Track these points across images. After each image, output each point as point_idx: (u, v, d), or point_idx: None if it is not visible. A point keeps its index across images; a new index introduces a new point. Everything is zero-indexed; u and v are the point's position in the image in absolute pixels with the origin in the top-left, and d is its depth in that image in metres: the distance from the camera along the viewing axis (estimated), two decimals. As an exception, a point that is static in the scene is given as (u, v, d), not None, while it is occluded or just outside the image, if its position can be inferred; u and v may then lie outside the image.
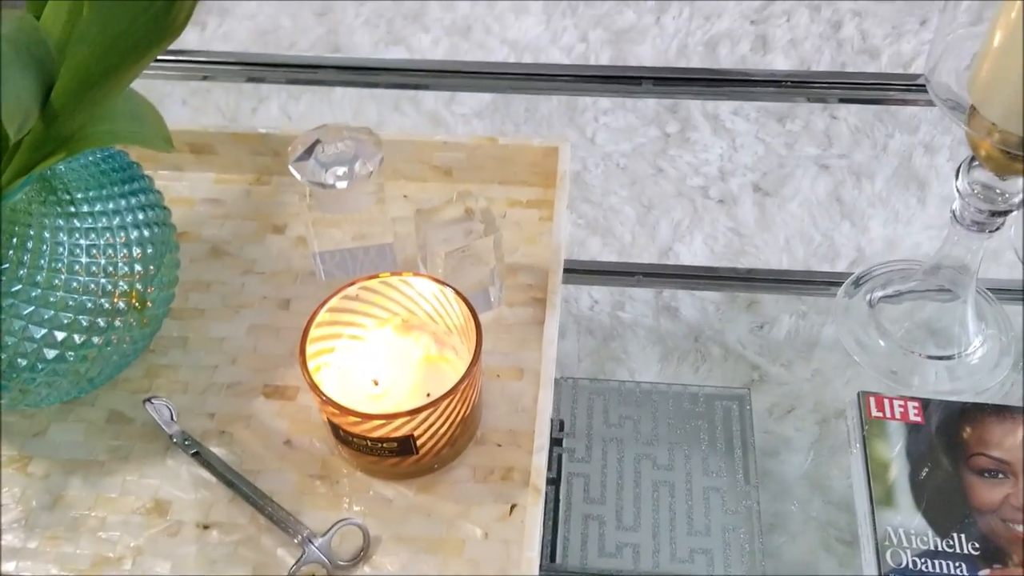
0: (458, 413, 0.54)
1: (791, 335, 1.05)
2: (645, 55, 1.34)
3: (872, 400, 0.82)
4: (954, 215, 0.60)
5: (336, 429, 0.55)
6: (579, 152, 1.23)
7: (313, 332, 0.55)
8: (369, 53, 1.35)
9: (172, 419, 0.58)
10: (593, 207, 1.17)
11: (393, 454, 0.54)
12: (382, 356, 0.59)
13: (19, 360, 0.52)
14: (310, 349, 0.55)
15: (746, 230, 1.15)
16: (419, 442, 0.54)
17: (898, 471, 0.77)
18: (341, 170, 0.60)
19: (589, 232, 1.15)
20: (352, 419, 0.52)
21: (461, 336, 0.58)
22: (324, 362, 0.57)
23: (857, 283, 0.73)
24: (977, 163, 0.58)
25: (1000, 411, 0.79)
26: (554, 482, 0.73)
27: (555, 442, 0.76)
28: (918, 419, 0.80)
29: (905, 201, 1.17)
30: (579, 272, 0.98)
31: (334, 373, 0.58)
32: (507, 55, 1.34)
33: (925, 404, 0.81)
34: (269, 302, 0.65)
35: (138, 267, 0.55)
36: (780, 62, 1.32)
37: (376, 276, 0.57)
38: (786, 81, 0.78)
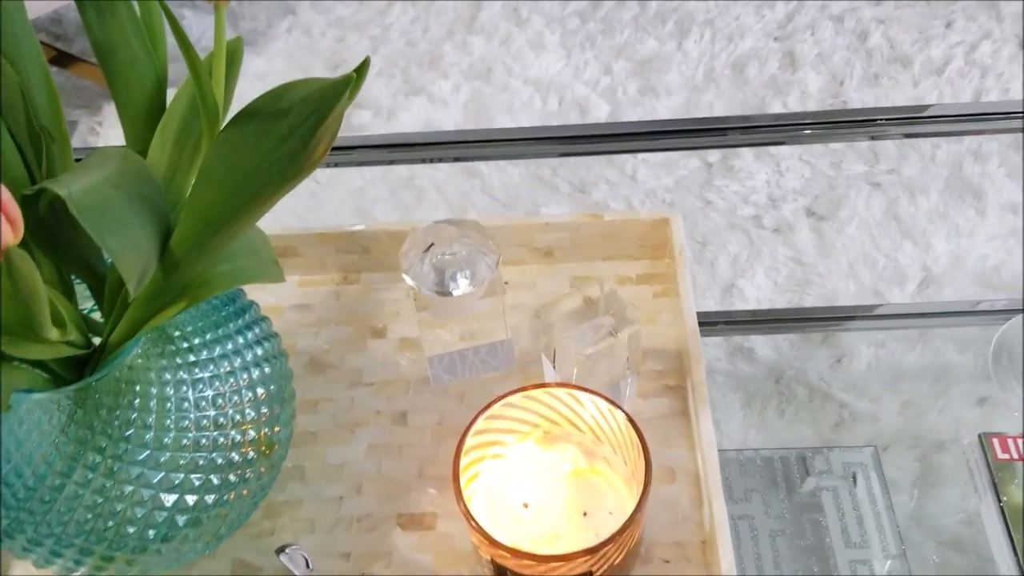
0: (632, 538, 0.50)
1: (872, 367, 1.01)
2: (674, 84, 1.30)
3: (996, 441, 0.78)
4: None
5: (502, 570, 0.50)
6: (621, 191, 1.19)
7: (463, 462, 0.50)
8: (390, 105, 1.30)
9: (308, 567, 0.53)
10: (646, 248, 1.13)
11: (566, 589, 0.49)
12: (528, 474, 0.54)
13: (149, 532, 0.47)
14: (463, 482, 0.50)
15: (807, 258, 1.11)
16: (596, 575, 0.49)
17: (1037, 517, 0.74)
18: (463, 278, 0.55)
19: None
20: (527, 562, 0.47)
21: (613, 446, 0.53)
22: (472, 491, 0.52)
23: (1005, 341, 0.68)
24: None
25: None
26: (687, 569, 0.69)
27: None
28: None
29: (963, 213, 1.14)
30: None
31: (481, 500, 0.53)
32: (531, 96, 1.30)
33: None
34: (384, 417, 0.60)
35: (264, 409, 0.50)
36: (812, 79, 1.29)
37: (524, 389, 0.52)
38: (879, 119, 0.74)
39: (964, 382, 0.99)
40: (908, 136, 0.81)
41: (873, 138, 0.88)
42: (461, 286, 0.55)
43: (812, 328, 0.97)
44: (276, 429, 0.51)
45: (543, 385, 0.53)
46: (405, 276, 0.56)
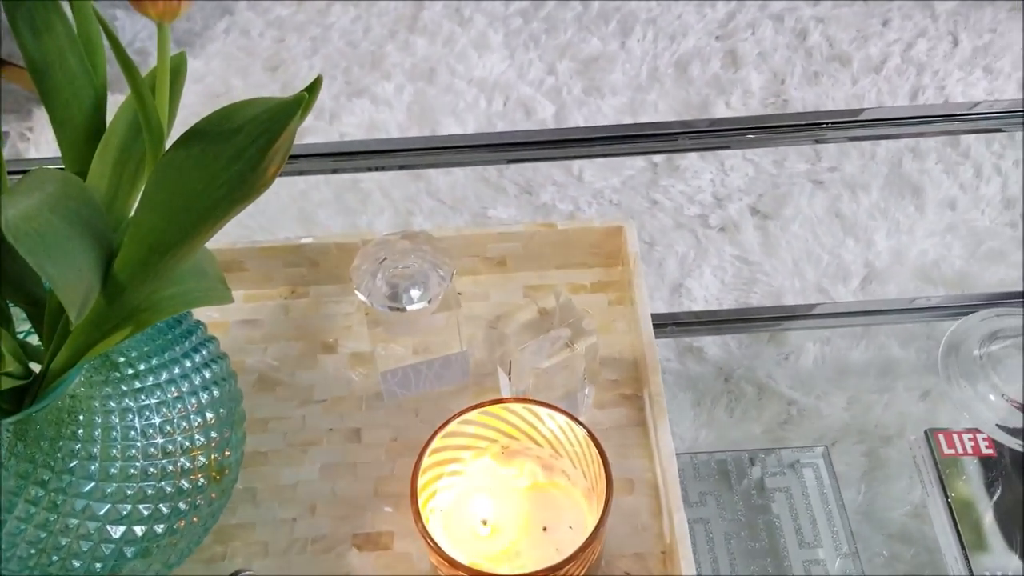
0: (594, 552, 0.49)
1: (819, 363, 1.03)
2: (618, 83, 1.30)
3: (942, 437, 0.80)
4: None
5: (462, 589, 0.49)
6: (569, 192, 1.18)
7: (420, 481, 0.49)
8: (332, 107, 1.28)
9: (262, 592, 0.52)
10: (594, 249, 1.13)
11: (527, 607, 0.49)
12: (486, 490, 0.53)
13: (96, 565, 0.45)
14: (421, 502, 0.49)
15: (753, 257, 1.12)
16: (557, 592, 0.49)
17: (983, 510, 0.75)
18: (416, 292, 0.54)
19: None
20: (489, 582, 0.46)
21: (572, 459, 0.53)
22: (430, 509, 0.52)
23: (963, 332, 0.69)
24: None
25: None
26: None
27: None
28: (990, 451, 0.78)
29: (903, 209, 1.16)
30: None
31: (439, 518, 0.53)
32: (476, 97, 1.29)
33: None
34: (337, 435, 0.59)
35: (214, 434, 0.49)
36: (754, 77, 1.30)
37: (481, 406, 0.52)
38: (822, 123, 0.75)
39: (908, 377, 1.01)
40: (850, 139, 0.81)
41: (817, 142, 0.89)
42: (415, 301, 0.54)
43: (759, 328, 0.98)
44: (227, 453, 0.50)
45: (500, 401, 0.52)
46: (357, 292, 0.55)
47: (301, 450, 0.59)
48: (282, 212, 1.18)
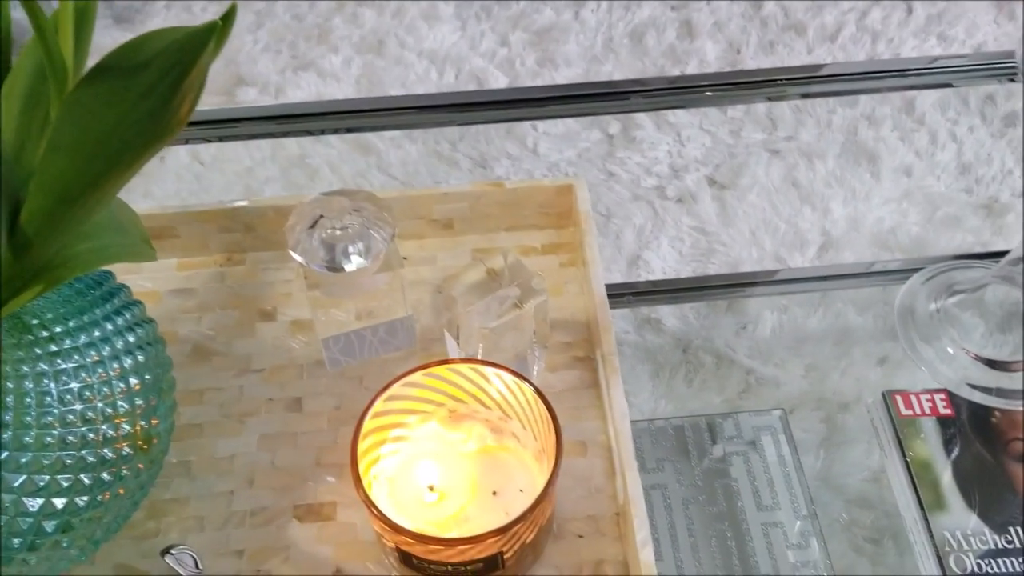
0: (544, 514, 0.47)
1: (776, 332, 1.01)
2: (573, 54, 1.28)
3: (899, 398, 0.79)
4: None
5: (407, 557, 0.47)
6: (523, 165, 1.16)
7: (360, 446, 0.47)
8: (277, 82, 1.25)
9: (197, 567, 0.49)
10: (549, 222, 1.11)
11: (476, 575, 0.47)
12: (433, 455, 0.51)
13: (14, 541, 0.42)
14: (362, 467, 0.47)
15: (710, 227, 1.10)
16: (507, 557, 0.47)
17: (941, 470, 0.74)
18: (355, 252, 0.52)
19: (550, 249, 1.08)
20: (433, 547, 0.44)
21: (522, 421, 0.51)
22: (373, 476, 0.49)
23: (917, 287, 0.68)
24: None
25: None
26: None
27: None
28: (948, 411, 0.78)
29: (859, 177, 1.15)
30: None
31: (383, 485, 0.50)
32: (427, 69, 1.26)
33: (952, 393, 0.78)
34: (277, 404, 0.57)
35: (139, 401, 0.46)
36: (710, 48, 1.29)
37: (425, 367, 0.49)
38: (778, 79, 0.73)
39: (865, 343, 1.00)
40: (805, 96, 0.80)
41: (770, 99, 0.87)
42: (354, 261, 0.52)
43: (716, 296, 0.96)
44: (154, 422, 0.47)
45: (446, 361, 0.50)
46: (292, 252, 0.52)
47: (239, 421, 0.56)
48: (227, 190, 1.14)
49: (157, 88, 0.36)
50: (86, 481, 0.43)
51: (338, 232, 0.53)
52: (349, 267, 0.52)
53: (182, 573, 0.49)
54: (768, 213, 1.12)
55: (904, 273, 0.93)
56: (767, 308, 1.03)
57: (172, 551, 0.49)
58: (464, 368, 0.50)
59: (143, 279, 0.62)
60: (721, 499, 0.69)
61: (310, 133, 0.79)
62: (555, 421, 0.47)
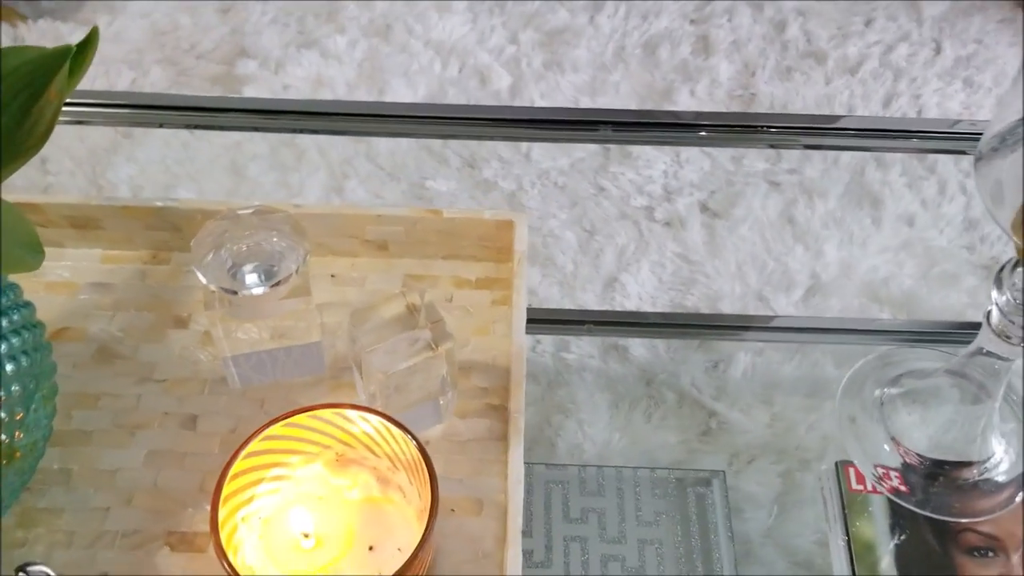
0: (411, 582, 0.45)
1: (748, 375, 0.98)
2: (581, 59, 1.24)
3: (852, 471, 0.75)
4: (988, 321, 0.50)
5: (261, 610, 0.44)
6: (513, 170, 1.13)
7: (227, 487, 0.45)
8: (279, 57, 1.22)
9: (54, 588, 0.47)
10: (531, 232, 1.08)
11: (332, 635, 0.45)
12: (313, 500, 0.49)
13: None
14: (224, 509, 0.44)
15: (695, 256, 1.07)
16: (364, 622, 0.44)
17: (883, 552, 0.71)
18: (255, 275, 0.49)
19: (528, 261, 1.05)
20: (281, 608, 0.42)
21: (409, 474, 0.48)
22: (242, 517, 0.47)
23: (860, 376, 0.65)
24: (1020, 269, 0.49)
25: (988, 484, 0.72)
26: (511, 592, 0.64)
27: (510, 543, 0.67)
28: (914, 493, 0.74)
29: (859, 221, 1.11)
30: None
31: (255, 526, 0.48)
32: (432, 59, 1.23)
33: (916, 475, 0.74)
34: (172, 419, 0.54)
35: (6, 413, 0.44)
36: (724, 67, 1.24)
37: (306, 409, 0.47)
38: (761, 126, 0.69)
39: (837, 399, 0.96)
40: (809, 147, 0.76)
41: (773, 146, 0.83)
42: (253, 285, 0.49)
43: (686, 336, 0.93)
44: (19, 435, 0.45)
45: (332, 405, 0.47)
46: (195, 269, 0.50)
47: (129, 433, 0.54)
48: (212, 162, 1.12)
49: (9, 108, 0.34)
50: (-72, 496, 0.41)
51: (244, 253, 0.50)
52: (247, 291, 0.49)
53: (37, 593, 0.47)
54: (758, 248, 1.08)
55: (892, 335, 0.89)
56: (741, 349, 0.99)
57: (28, 569, 0.47)
58: (352, 414, 0.47)
59: (63, 269, 0.60)
60: (643, 562, 0.66)
61: (296, 131, 0.76)
62: (433, 479, 0.45)
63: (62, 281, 0.60)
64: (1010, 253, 0.98)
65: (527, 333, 0.95)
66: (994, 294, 0.48)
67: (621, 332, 0.92)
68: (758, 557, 0.83)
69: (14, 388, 0.45)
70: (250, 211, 0.52)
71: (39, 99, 0.34)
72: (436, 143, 1.13)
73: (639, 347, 0.98)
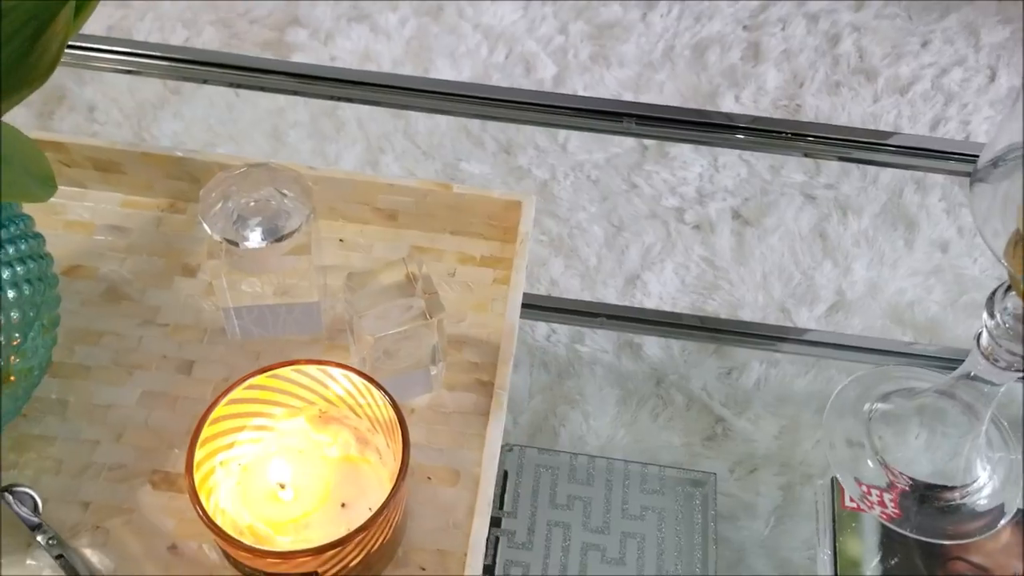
0: (375, 543, 0.46)
1: (760, 385, 0.97)
2: (628, 55, 1.24)
3: (847, 490, 0.74)
4: (978, 344, 0.50)
5: (226, 551, 0.46)
6: (548, 159, 1.13)
7: (207, 430, 0.46)
8: (330, 28, 1.24)
9: (37, 510, 0.49)
10: (559, 223, 1.08)
11: (293, 585, 0.46)
12: (292, 453, 0.50)
13: None
14: (201, 451, 0.46)
15: (721, 262, 1.06)
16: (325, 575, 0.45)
17: (868, 571, 0.71)
18: (259, 229, 0.50)
19: (552, 251, 1.06)
20: (244, 553, 0.43)
21: (387, 436, 0.49)
22: (221, 460, 0.48)
23: (856, 387, 0.64)
24: (1012, 294, 0.48)
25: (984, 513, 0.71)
26: (489, 570, 0.65)
27: (493, 522, 0.68)
28: (895, 513, 0.73)
29: (892, 242, 1.09)
30: (537, 308, 0.89)
31: (234, 470, 0.49)
32: (479, 43, 1.24)
33: (903, 497, 0.73)
34: (169, 363, 0.56)
35: (4, 337, 0.45)
36: (772, 75, 1.23)
37: (291, 363, 0.48)
38: (786, 133, 0.69)
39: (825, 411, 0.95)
40: (843, 159, 0.75)
41: (807, 155, 0.82)
42: (256, 239, 0.50)
43: (698, 339, 0.93)
44: (14, 359, 0.47)
45: (318, 362, 0.48)
46: (201, 218, 0.51)
47: (127, 371, 0.55)
48: (254, 125, 1.14)
49: (14, 40, 0.35)
50: (-80, 408, 0.43)
51: (251, 207, 0.51)
52: (247, 244, 0.50)
53: (19, 513, 0.49)
54: (786, 259, 1.07)
55: (910, 359, 0.88)
56: (756, 358, 0.98)
57: (13, 490, 0.49)
58: (336, 372, 0.48)
59: (83, 209, 0.62)
60: (624, 554, 0.67)
61: (336, 98, 0.77)
62: (405, 437, 0.45)
63: (81, 221, 0.61)
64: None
65: (542, 320, 0.96)
66: (984, 317, 0.48)
67: (635, 328, 0.92)
68: (748, 566, 0.82)
69: (13, 314, 0.46)
70: (259, 167, 0.53)
71: (45, 31, 0.35)
72: (475, 126, 1.14)
73: (654, 346, 0.98)
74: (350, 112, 1.15)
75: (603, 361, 0.97)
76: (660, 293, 1.03)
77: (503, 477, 0.69)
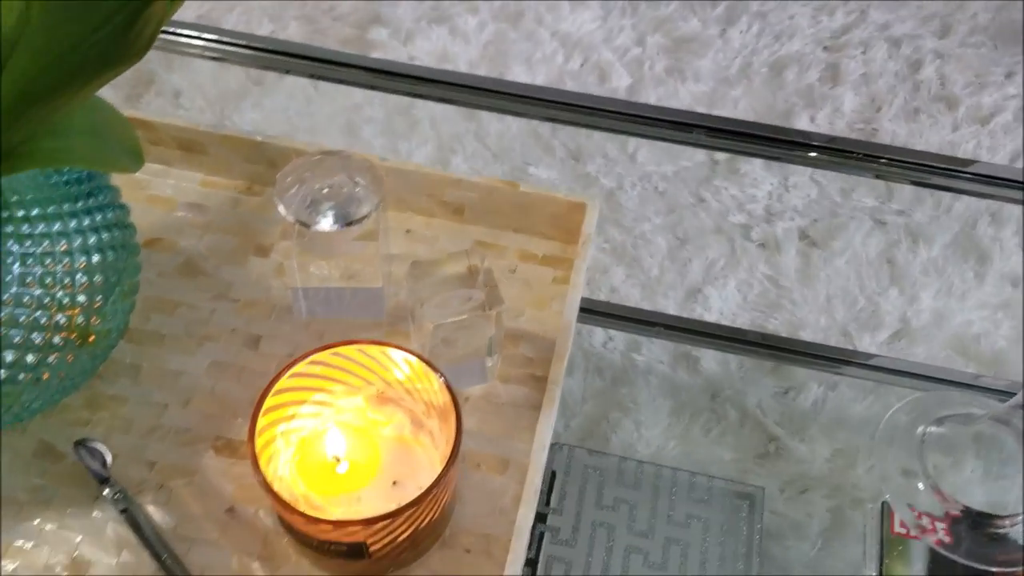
0: (423, 519, 0.47)
1: (817, 406, 0.97)
2: (704, 70, 1.24)
3: (897, 514, 0.74)
4: None
5: (281, 516, 0.47)
6: (616, 168, 1.14)
7: (270, 400, 0.48)
8: (410, 29, 1.26)
9: (105, 465, 0.52)
10: (622, 232, 1.09)
11: (342, 556, 0.47)
12: (350, 429, 0.51)
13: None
14: (263, 420, 0.47)
15: (785, 281, 1.06)
16: (372, 548, 0.47)
17: (914, 599, 0.70)
18: (332, 211, 0.52)
19: (614, 259, 1.06)
20: (298, 518, 0.45)
21: (441, 421, 0.50)
22: (281, 431, 0.50)
23: (911, 410, 0.64)
24: None
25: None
26: (532, 563, 0.66)
27: (539, 517, 0.69)
28: (947, 539, 0.72)
29: (962, 273, 1.07)
30: (595, 313, 0.90)
31: (292, 441, 0.51)
32: (556, 50, 1.25)
33: (955, 523, 0.72)
34: (238, 336, 0.58)
35: (82, 298, 0.48)
36: (849, 98, 1.22)
37: (353, 342, 0.50)
38: (856, 153, 0.69)
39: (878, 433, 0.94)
40: (917, 184, 0.74)
41: (879, 176, 0.81)
42: (327, 222, 0.52)
43: (756, 355, 0.92)
44: (95, 320, 0.49)
45: (379, 343, 0.50)
46: (276, 200, 0.53)
47: (198, 342, 0.58)
48: (330, 119, 1.17)
49: (114, 18, 0.37)
50: (7, 358, 0.46)
51: (325, 191, 0.53)
52: (319, 227, 0.52)
53: (90, 466, 0.51)
54: (851, 283, 1.06)
55: (972, 390, 0.87)
56: (815, 380, 0.98)
57: (86, 444, 0.52)
58: (396, 354, 0.50)
59: (166, 187, 0.65)
60: (665, 560, 0.67)
61: (411, 95, 0.79)
62: (458, 417, 0.47)
63: (163, 197, 0.64)
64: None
65: (599, 326, 0.97)
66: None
67: (693, 340, 0.93)
68: (793, 586, 0.82)
69: (97, 277, 0.49)
70: (335, 154, 0.55)
71: (144, 11, 0.37)
72: (545, 131, 1.16)
73: (711, 361, 0.98)
74: (423, 111, 1.18)
75: (658, 371, 0.98)
76: (721, 308, 1.04)
77: (551, 475, 0.70)
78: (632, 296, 1.03)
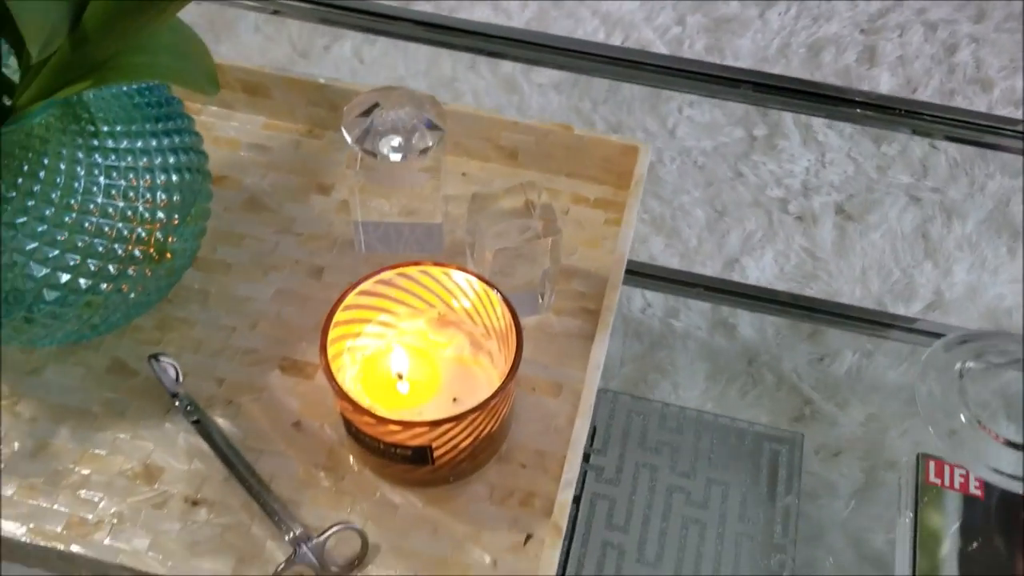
0: (484, 428, 0.49)
1: (852, 373, 0.98)
2: (743, 49, 1.26)
3: (932, 464, 0.75)
4: None
5: (349, 424, 0.50)
6: (656, 143, 1.16)
7: (339, 315, 0.50)
8: (453, 5, 1.29)
9: (177, 380, 0.54)
10: (662, 204, 1.10)
11: (406, 461, 0.49)
12: (412, 349, 0.54)
13: (12, 297, 0.48)
14: (333, 332, 0.50)
15: (822, 253, 1.07)
16: (436, 453, 0.49)
17: (949, 546, 0.71)
18: (396, 141, 0.54)
19: (653, 230, 1.08)
20: (367, 419, 0.47)
21: (500, 342, 0.52)
22: (348, 347, 0.52)
23: (948, 347, 0.65)
24: None
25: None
26: (576, 500, 0.68)
27: (583, 457, 0.71)
28: (978, 492, 0.74)
29: (995, 248, 1.08)
30: (637, 275, 0.92)
31: (357, 359, 0.53)
32: (597, 28, 1.27)
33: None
34: (301, 267, 0.60)
35: (161, 215, 0.50)
36: (886, 79, 1.23)
37: (416, 263, 0.52)
38: (899, 109, 0.70)
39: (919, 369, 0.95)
40: (950, 139, 0.75)
41: (916, 132, 0.82)
42: (392, 151, 0.55)
43: (794, 316, 0.94)
44: (172, 239, 0.52)
45: (441, 264, 0.52)
46: (343, 129, 0.55)
47: (263, 271, 0.60)
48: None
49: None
50: (91, 266, 0.48)
51: (389, 122, 0.55)
52: (385, 155, 0.54)
53: (163, 380, 0.54)
54: (886, 256, 1.07)
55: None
56: (850, 347, 0.99)
57: (160, 358, 0.54)
58: (459, 277, 0.52)
59: (230, 129, 0.67)
60: (707, 498, 0.69)
61: (476, 51, 0.82)
62: (518, 329, 0.49)
63: (228, 138, 0.67)
64: None
65: (639, 287, 0.99)
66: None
67: (732, 302, 0.94)
68: (824, 542, 0.83)
69: (176, 196, 0.51)
70: (399, 89, 0.57)
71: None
72: (587, 105, 1.17)
73: (747, 327, 0.99)
74: (466, 85, 1.20)
75: (696, 336, 0.99)
76: (758, 278, 1.05)
77: (594, 416, 0.71)
78: (670, 265, 1.05)
